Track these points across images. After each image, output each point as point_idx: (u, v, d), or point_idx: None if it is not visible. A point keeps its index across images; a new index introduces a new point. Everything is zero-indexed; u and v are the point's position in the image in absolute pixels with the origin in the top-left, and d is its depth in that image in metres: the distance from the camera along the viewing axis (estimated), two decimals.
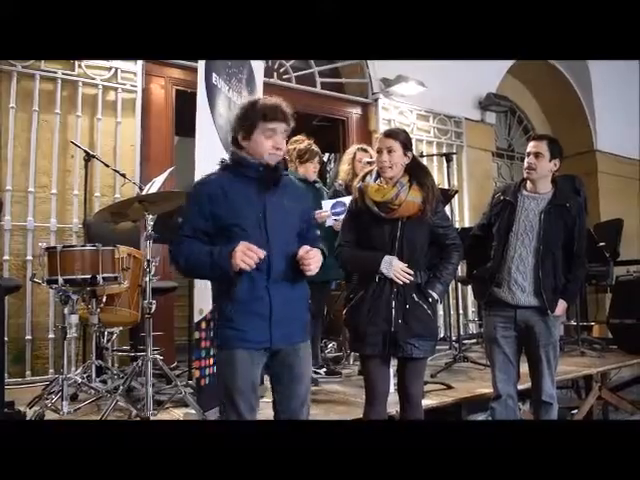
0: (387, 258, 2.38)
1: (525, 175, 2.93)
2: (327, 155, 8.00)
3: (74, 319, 2.95)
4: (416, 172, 2.50)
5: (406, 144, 2.47)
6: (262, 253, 1.88)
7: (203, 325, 2.99)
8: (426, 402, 3.19)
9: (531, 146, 2.92)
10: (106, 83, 4.55)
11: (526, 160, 2.93)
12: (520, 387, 2.99)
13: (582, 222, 2.91)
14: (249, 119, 2.00)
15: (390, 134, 2.48)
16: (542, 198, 2.88)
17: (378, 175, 2.49)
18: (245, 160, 2.02)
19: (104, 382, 3.47)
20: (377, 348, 2.37)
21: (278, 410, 2.08)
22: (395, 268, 2.37)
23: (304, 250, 1.97)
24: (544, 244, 2.80)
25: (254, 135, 2.00)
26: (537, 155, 2.87)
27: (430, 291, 2.42)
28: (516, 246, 2.84)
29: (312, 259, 1.96)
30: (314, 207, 3.94)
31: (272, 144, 2.00)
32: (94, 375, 3.40)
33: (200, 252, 1.95)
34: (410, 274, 2.39)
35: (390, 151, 2.43)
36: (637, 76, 8.14)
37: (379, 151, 2.47)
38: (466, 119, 6.77)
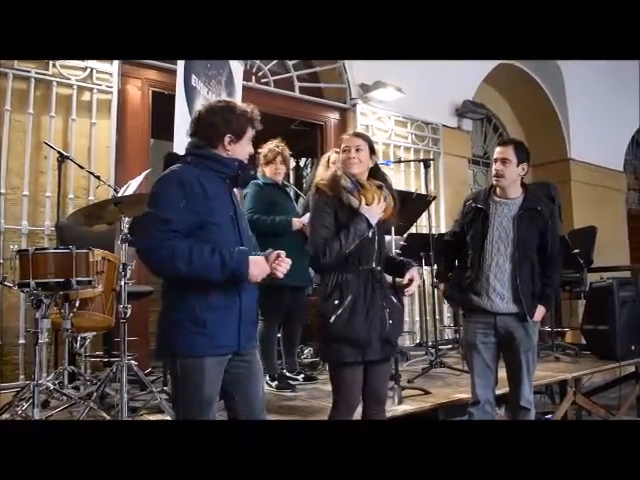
0: (364, 209, 2.38)
1: (494, 182, 2.93)
2: (304, 160, 7.99)
3: (46, 324, 2.87)
4: (382, 179, 2.54)
5: (372, 147, 2.51)
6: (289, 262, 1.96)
7: None
8: (404, 407, 3.20)
9: (498, 152, 2.91)
10: (81, 83, 4.46)
11: (493, 167, 2.93)
12: (496, 392, 3.00)
13: (554, 223, 2.92)
14: (243, 124, 2.03)
15: (358, 135, 2.53)
16: (513, 203, 2.88)
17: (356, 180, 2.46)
18: (224, 159, 2.02)
19: (77, 388, 3.41)
20: (376, 352, 2.33)
21: (238, 410, 2.02)
22: (373, 207, 2.39)
23: (275, 254, 1.97)
24: (520, 249, 2.81)
25: (243, 140, 2.04)
26: (504, 161, 2.86)
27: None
28: (492, 254, 2.84)
29: (284, 263, 1.97)
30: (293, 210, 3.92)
31: (249, 149, 2.10)
32: (66, 381, 3.32)
33: (204, 254, 1.83)
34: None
35: (358, 149, 2.44)
36: (610, 85, 8.33)
37: (346, 149, 2.46)
38: (443, 126, 6.82)
